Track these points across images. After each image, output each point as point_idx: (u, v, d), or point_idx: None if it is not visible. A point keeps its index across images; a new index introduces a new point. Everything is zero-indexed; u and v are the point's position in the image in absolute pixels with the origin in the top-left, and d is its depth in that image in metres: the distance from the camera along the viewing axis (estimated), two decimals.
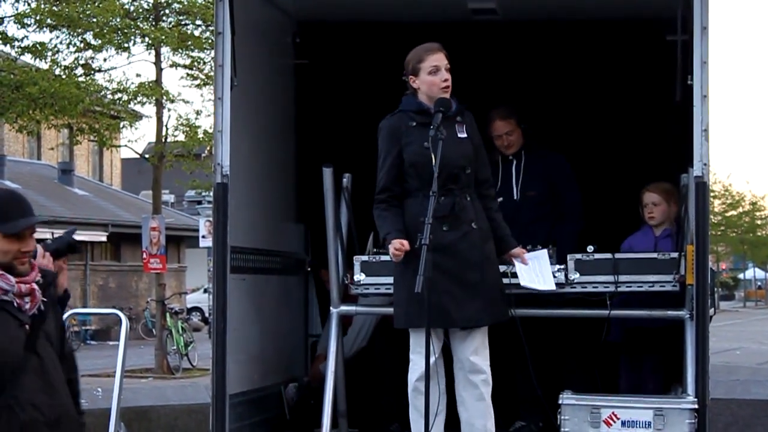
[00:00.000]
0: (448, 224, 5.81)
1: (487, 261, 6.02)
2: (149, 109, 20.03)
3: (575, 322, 7.02)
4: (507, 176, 7.35)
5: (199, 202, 39.63)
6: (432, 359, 5.77)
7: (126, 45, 17.55)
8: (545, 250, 6.15)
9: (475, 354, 5.98)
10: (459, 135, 6.02)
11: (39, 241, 5.18)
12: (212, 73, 6.80)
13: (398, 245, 5.90)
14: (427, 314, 5.63)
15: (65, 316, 6.00)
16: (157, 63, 18.51)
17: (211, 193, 6.69)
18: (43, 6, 17.00)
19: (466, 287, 5.91)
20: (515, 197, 7.33)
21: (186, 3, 18.09)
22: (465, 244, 5.93)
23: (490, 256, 6.05)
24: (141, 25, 17.86)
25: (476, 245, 5.98)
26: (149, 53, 18.51)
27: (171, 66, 18.76)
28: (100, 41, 17.22)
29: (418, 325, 5.93)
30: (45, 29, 17.20)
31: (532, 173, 7.37)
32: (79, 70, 17.70)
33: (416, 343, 6.01)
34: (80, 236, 30.90)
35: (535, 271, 6.10)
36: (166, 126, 18.86)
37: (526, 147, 7.41)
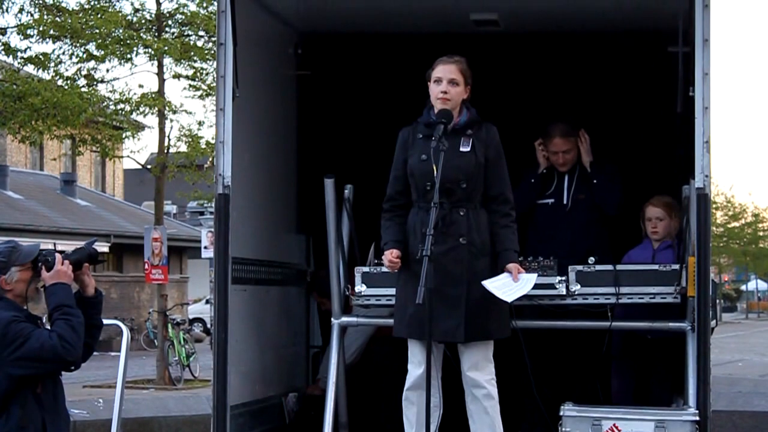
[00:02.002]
0: (433, 237, 5.67)
1: (475, 278, 5.93)
2: (152, 120, 20.12)
3: (577, 334, 7.01)
4: (560, 182, 7.36)
5: (202, 213, 39.62)
6: (421, 370, 5.78)
7: (128, 56, 17.52)
8: (535, 275, 6.13)
9: (474, 369, 5.97)
10: (461, 149, 5.98)
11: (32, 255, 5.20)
12: (214, 84, 6.78)
13: (389, 256, 5.94)
14: (428, 325, 5.64)
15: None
16: (160, 74, 18.50)
17: (213, 204, 6.70)
18: (45, 17, 17.00)
19: (446, 301, 5.86)
20: (565, 201, 7.34)
21: (188, 14, 18.10)
22: (449, 258, 5.88)
23: (480, 272, 5.96)
24: (143, 36, 17.85)
25: (462, 260, 5.93)
26: (152, 64, 18.50)
27: (173, 77, 18.75)
28: (102, 52, 17.20)
29: (405, 335, 6.00)
30: (47, 40, 17.19)
31: (583, 180, 7.35)
32: (82, 81, 17.68)
33: (410, 352, 6.04)
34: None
35: (511, 285, 5.95)
36: (168, 137, 18.85)
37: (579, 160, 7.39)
